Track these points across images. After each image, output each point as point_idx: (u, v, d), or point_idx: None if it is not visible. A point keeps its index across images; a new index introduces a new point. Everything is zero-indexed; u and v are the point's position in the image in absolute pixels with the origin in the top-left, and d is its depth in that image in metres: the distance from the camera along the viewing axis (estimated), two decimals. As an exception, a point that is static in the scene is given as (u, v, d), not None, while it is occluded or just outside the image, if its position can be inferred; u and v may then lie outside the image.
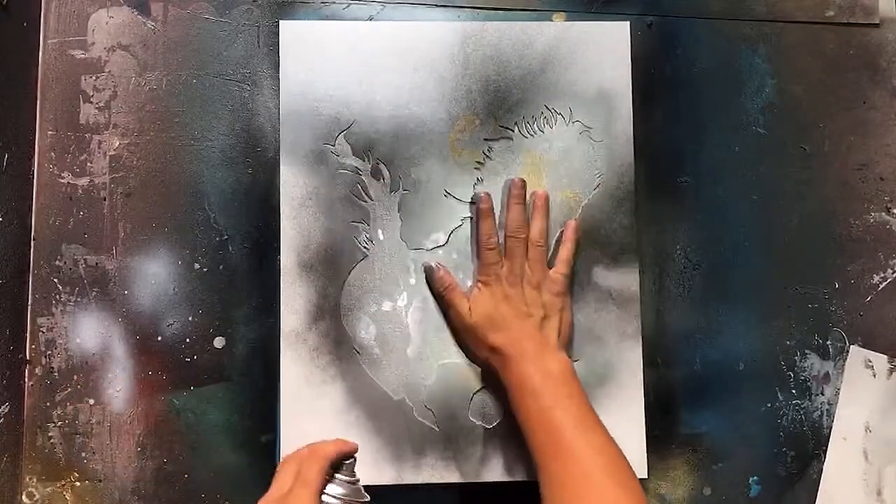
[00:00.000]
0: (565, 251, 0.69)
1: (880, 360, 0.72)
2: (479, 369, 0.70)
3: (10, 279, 0.68)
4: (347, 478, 0.62)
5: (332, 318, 0.70)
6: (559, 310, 0.68)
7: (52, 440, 0.69)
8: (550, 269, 0.69)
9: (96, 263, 0.70)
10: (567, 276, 0.69)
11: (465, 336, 0.69)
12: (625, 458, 0.61)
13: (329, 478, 0.62)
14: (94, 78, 0.72)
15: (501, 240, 0.69)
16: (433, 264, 0.70)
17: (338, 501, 0.61)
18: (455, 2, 0.74)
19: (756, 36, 0.75)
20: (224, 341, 0.71)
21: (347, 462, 0.63)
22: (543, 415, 0.62)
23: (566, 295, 0.69)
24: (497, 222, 0.70)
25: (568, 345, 0.69)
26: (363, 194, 0.71)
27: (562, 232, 0.70)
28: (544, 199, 0.70)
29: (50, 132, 0.71)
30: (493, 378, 0.68)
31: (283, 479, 0.61)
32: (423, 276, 0.70)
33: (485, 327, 0.67)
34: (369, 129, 0.71)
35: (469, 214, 0.71)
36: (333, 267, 0.70)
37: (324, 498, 0.61)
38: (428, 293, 0.70)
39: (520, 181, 0.70)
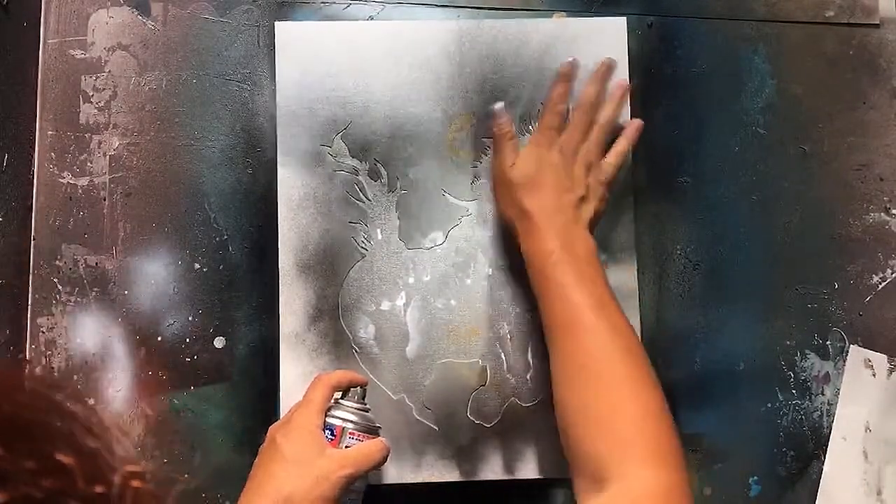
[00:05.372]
0: (623, 144, 0.68)
1: (880, 360, 0.72)
2: (478, 368, 0.70)
3: (10, 279, 0.68)
4: (354, 404, 0.63)
5: (330, 318, 0.70)
6: (599, 198, 0.66)
7: (52, 440, 0.69)
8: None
9: (96, 263, 0.71)
10: (616, 168, 0.67)
11: (498, 189, 0.68)
12: (640, 342, 0.60)
13: (336, 403, 0.63)
14: (94, 78, 0.72)
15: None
16: (500, 107, 0.68)
17: (342, 422, 0.62)
18: (455, 2, 0.73)
19: (756, 36, 0.75)
20: (224, 341, 0.71)
21: (355, 389, 0.64)
22: (563, 291, 0.61)
23: (609, 187, 0.67)
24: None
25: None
26: (361, 195, 0.71)
27: (623, 128, 0.69)
28: (624, 90, 0.69)
29: (50, 132, 0.71)
30: (493, 376, 0.68)
31: (291, 408, 0.63)
32: (422, 275, 0.70)
33: (522, 187, 0.65)
34: (366, 129, 0.71)
35: (468, 213, 0.71)
36: (332, 267, 0.70)
37: (328, 419, 0.62)
38: (427, 292, 0.71)
39: (609, 61, 0.69)
